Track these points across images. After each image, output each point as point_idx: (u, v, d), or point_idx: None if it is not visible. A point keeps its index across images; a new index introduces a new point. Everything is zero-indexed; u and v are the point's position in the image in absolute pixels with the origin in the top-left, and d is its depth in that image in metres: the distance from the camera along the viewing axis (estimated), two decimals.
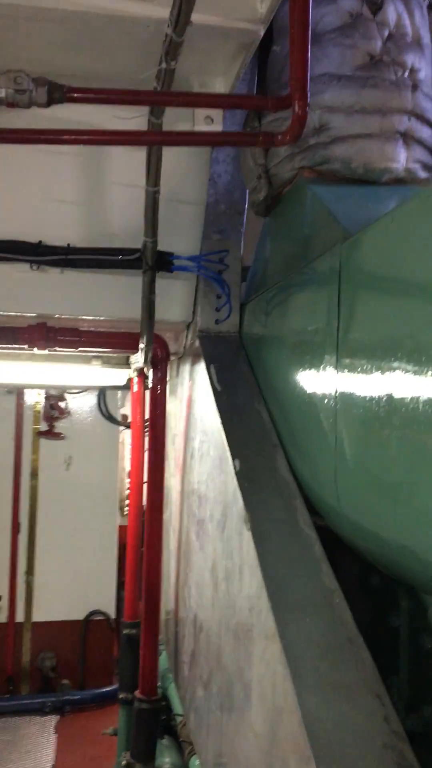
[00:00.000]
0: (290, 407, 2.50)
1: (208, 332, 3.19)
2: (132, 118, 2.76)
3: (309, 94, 2.05)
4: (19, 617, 7.64)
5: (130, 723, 3.78)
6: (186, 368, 3.53)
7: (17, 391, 7.52)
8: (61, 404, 7.46)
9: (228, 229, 3.21)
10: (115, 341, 3.37)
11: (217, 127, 2.86)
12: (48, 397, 7.42)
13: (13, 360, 3.85)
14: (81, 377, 4.50)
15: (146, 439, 3.55)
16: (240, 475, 2.28)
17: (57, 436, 7.54)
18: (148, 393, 3.59)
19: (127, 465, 7.94)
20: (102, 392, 5.59)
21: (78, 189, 3.00)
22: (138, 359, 3.33)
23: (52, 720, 7.03)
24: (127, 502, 6.90)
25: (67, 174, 2.96)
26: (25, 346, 3.29)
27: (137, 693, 3.43)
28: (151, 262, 2.95)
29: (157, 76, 2.33)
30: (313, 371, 2.25)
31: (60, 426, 7.60)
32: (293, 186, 2.72)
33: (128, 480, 7.37)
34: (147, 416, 3.63)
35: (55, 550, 7.67)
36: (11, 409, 7.60)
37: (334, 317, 2.09)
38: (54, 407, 7.42)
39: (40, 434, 7.57)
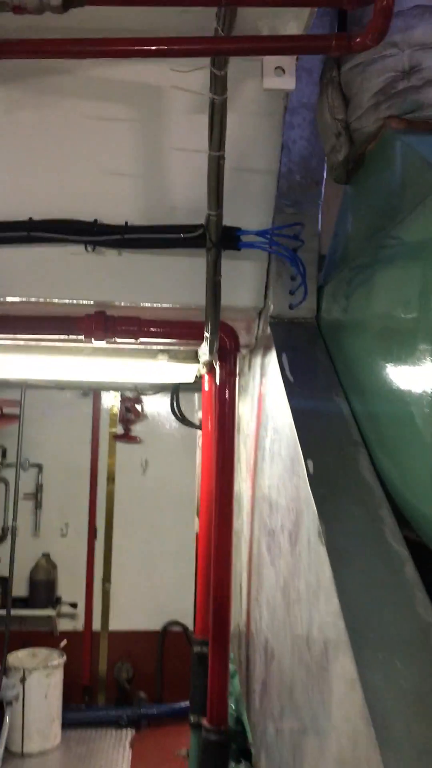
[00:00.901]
0: (376, 400, 2.11)
1: (281, 318, 2.83)
2: (191, 71, 2.45)
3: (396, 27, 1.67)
4: (96, 626, 7.46)
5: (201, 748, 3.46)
6: (258, 361, 3.17)
7: (93, 394, 7.36)
8: (137, 407, 7.25)
9: (303, 201, 2.84)
10: (179, 331, 3.06)
11: (288, 79, 2.51)
12: (123, 399, 7.22)
13: (74, 354, 3.60)
14: (147, 374, 4.21)
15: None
16: (314, 479, 1.90)
17: (133, 439, 7.33)
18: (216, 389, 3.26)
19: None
20: (175, 392, 5.30)
21: (135, 160, 2.70)
22: (204, 351, 3.00)
23: (128, 734, 6.79)
24: None
25: (121, 143, 2.66)
26: (82, 337, 3.02)
27: (205, 721, 3.09)
28: (215, 238, 2.61)
29: (217, 17, 2.01)
30: (404, 358, 1.85)
31: (136, 429, 7.39)
32: (378, 141, 2.32)
33: None
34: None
35: (132, 557, 7.46)
36: (88, 412, 7.45)
37: (430, 294, 1.70)
38: (130, 410, 7.21)
39: (116, 437, 7.39)
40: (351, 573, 1.62)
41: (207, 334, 2.82)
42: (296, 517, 2.03)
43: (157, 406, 7.32)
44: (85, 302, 2.99)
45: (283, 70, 2.46)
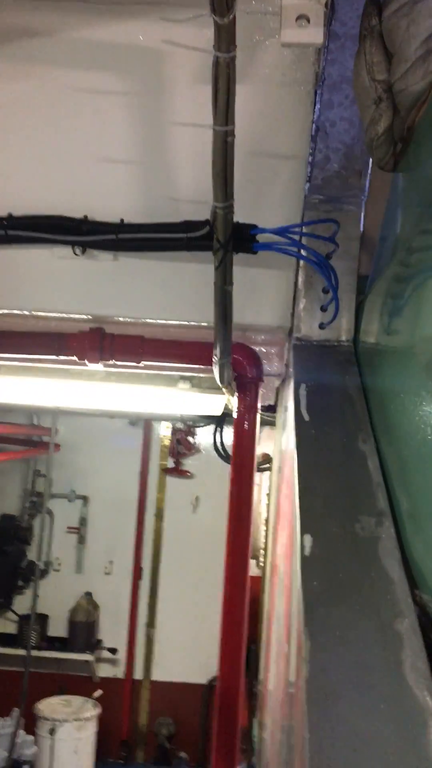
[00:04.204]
0: (414, 453, 1.50)
1: (308, 340, 2.25)
2: (186, 20, 1.95)
3: None
4: (137, 674, 6.90)
5: None
6: (287, 394, 2.60)
7: (144, 424, 6.90)
8: (189, 439, 6.73)
9: (342, 196, 2.28)
10: (189, 353, 2.53)
11: (314, 30, 1.97)
12: (175, 431, 6.72)
13: (86, 379, 3.12)
14: (165, 403, 3.69)
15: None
16: (308, 565, 1.31)
17: (184, 474, 6.81)
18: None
19: (263, 510, 7.05)
20: (219, 423, 4.77)
21: (131, 142, 2.21)
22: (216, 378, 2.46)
23: None
24: (261, 551, 6.04)
25: (115, 121, 2.18)
26: (74, 358, 2.54)
27: None
28: (222, 237, 2.07)
29: None
30: None
31: (188, 463, 6.86)
32: (430, 103, 1.74)
33: (263, 528, 6.47)
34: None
35: (179, 601, 6.87)
36: (137, 442, 6.98)
37: None
38: (181, 442, 6.70)
39: (166, 471, 6.88)
40: (339, 740, 1.02)
41: (216, 358, 2.28)
42: (289, 622, 1.43)
43: (210, 438, 6.77)
44: (78, 316, 2.52)
45: (308, 20, 1.93)
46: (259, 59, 2.07)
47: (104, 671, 6.87)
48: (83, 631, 6.72)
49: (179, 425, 6.63)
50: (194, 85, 2.10)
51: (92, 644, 6.74)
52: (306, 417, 1.82)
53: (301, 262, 2.32)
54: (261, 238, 2.17)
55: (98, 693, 6.36)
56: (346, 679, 1.08)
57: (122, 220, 2.28)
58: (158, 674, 6.89)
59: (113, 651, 6.79)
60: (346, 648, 1.13)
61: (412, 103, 1.79)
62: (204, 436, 6.78)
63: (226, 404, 3.34)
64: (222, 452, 4.91)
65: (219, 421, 4.83)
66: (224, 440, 4.88)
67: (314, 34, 1.94)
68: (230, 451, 5.06)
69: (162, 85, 2.12)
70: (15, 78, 2.13)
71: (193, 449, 6.73)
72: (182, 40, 1.99)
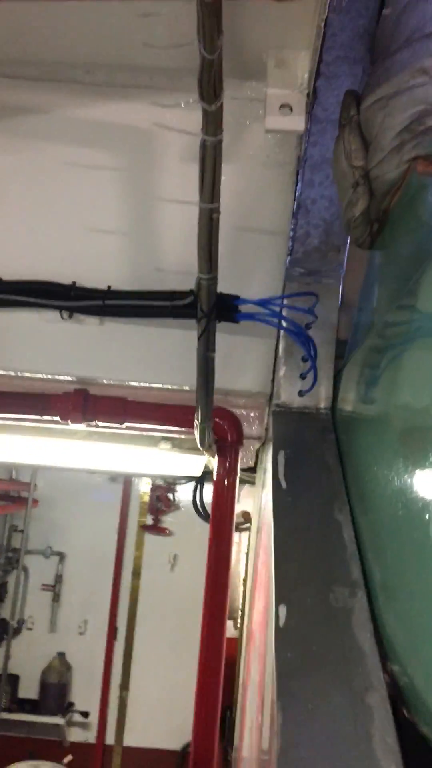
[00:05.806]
0: (388, 525, 1.54)
1: (287, 407, 2.31)
2: (176, 105, 2.07)
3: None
4: (109, 739, 6.70)
5: None
6: (267, 459, 2.64)
7: (124, 480, 6.89)
8: (169, 496, 6.72)
9: (321, 269, 2.37)
10: (170, 416, 2.57)
11: (296, 118, 2.10)
12: (154, 488, 6.71)
13: (68, 437, 3.15)
14: (146, 463, 3.72)
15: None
16: (283, 635, 1.34)
17: (162, 531, 6.77)
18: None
19: (241, 570, 7.01)
20: (199, 481, 4.78)
21: (121, 213, 2.31)
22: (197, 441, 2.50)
23: None
24: (239, 612, 6.00)
25: (105, 194, 2.28)
26: (58, 419, 2.57)
27: None
28: (206, 307, 2.16)
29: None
30: None
31: (167, 521, 6.83)
32: (403, 190, 1.85)
33: (241, 588, 6.41)
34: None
35: (154, 663, 6.74)
36: (116, 498, 6.95)
37: None
38: (161, 499, 6.69)
39: (144, 528, 6.84)
40: None
41: (197, 422, 2.33)
42: (264, 692, 1.45)
43: (190, 495, 6.75)
44: (63, 378, 2.57)
45: (291, 108, 2.06)
46: (245, 141, 2.19)
47: (75, 735, 6.68)
48: (55, 692, 6.56)
49: (159, 482, 6.63)
50: (182, 164, 2.21)
51: (64, 707, 6.57)
52: (283, 485, 1.86)
53: (282, 332, 2.40)
54: (243, 308, 2.25)
55: (68, 759, 6.16)
56: (317, 753, 1.10)
57: (109, 287, 2.36)
58: (130, 739, 6.70)
59: (85, 714, 6.62)
60: (318, 721, 1.15)
61: (387, 189, 1.89)
62: (184, 493, 6.77)
63: (206, 463, 3.37)
64: (201, 511, 4.90)
65: (199, 479, 4.84)
66: (204, 498, 4.88)
67: (296, 122, 2.07)
68: (210, 510, 5.08)
69: (152, 162, 2.22)
70: (10, 151, 2.23)
71: (172, 506, 6.72)
72: (171, 122, 2.11)
